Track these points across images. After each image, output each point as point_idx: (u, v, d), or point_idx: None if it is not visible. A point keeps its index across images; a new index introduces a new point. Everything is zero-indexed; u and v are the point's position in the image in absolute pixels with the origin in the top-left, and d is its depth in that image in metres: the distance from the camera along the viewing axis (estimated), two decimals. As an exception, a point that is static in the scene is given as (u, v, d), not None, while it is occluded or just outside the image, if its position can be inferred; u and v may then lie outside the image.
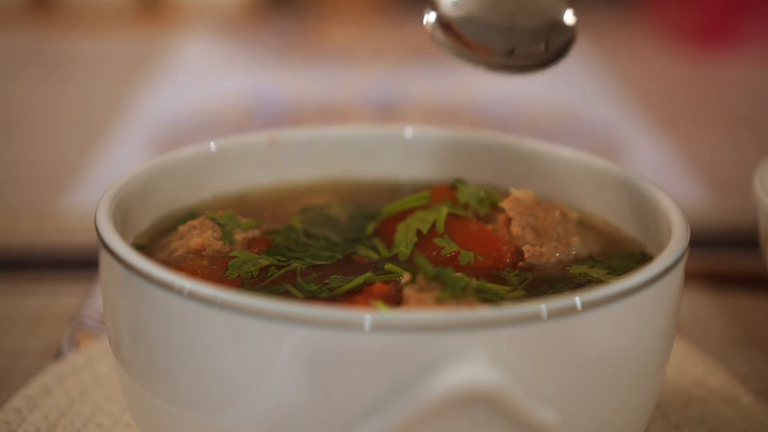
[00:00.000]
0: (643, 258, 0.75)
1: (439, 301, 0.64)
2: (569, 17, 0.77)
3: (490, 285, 0.68)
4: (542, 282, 0.72)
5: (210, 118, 1.70)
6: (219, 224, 0.77)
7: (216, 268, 0.72)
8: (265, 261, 0.73)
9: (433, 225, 0.76)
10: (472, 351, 0.56)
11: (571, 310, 0.58)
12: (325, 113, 1.73)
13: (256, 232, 0.78)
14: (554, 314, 0.57)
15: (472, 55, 0.76)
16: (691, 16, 2.26)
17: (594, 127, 1.69)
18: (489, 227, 0.77)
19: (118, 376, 0.68)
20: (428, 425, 0.56)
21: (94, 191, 1.35)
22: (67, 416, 0.80)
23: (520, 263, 0.75)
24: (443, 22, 0.77)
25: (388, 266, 0.72)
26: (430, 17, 0.76)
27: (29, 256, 1.16)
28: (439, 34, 0.76)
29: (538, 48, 0.77)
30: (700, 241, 1.15)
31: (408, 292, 0.65)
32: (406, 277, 0.67)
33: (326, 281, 0.70)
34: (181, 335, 0.60)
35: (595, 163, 0.83)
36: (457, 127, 1.63)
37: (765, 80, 2.04)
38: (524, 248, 0.76)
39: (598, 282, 0.72)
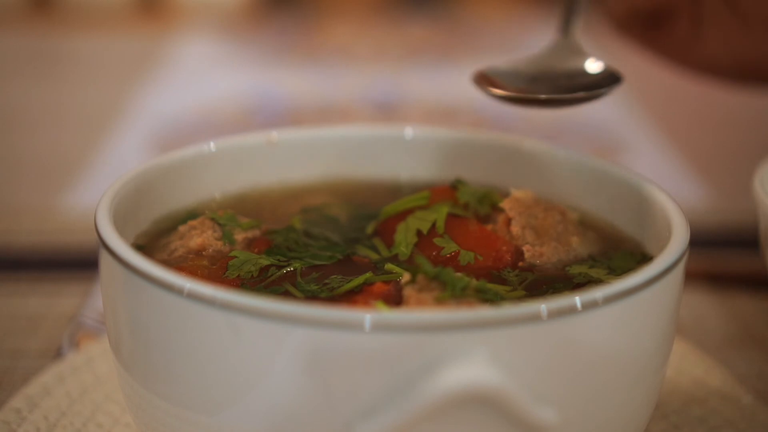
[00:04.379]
0: (643, 258, 0.75)
1: (439, 301, 0.64)
2: (591, 66, 0.87)
3: (490, 285, 0.68)
4: (542, 282, 0.72)
5: (210, 118, 1.70)
6: (219, 224, 0.77)
7: (216, 268, 0.72)
8: (265, 261, 0.72)
9: (433, 225, 0.76)
10: (472, 351, 0.56)
11: (571, 310, 0.58)
12: (325, 113, 1.73)
13: (256, 232, 0.78)
14: (554, 314, 0.57)
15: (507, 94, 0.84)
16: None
17: (594, 127, 1.69)
18: (489, 227, 0.77)
19: (118, 376, 0.68)
20: (428, 425, 0.56)
21: (94, 191, 1.35)
22: (67, 416, 0.80)
23: (520, 263, 0.75)
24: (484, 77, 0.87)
25: (388, 266, 0.72)
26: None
27: (29, 256, 1.16)
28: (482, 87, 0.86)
29: (559, 83, 0.85)
30: (700, 241, 1.15)
31: (408, 292, 0.65)
32: (406, 277, 0.67)
33: (326, 281, 0.70)
34: (181, 335, 0.60)
35: (595, 163, 0.83)
36: (457, 127, 1.64)
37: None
38: (524, 248, 0.76)
39: (598, 282, 0.72)
